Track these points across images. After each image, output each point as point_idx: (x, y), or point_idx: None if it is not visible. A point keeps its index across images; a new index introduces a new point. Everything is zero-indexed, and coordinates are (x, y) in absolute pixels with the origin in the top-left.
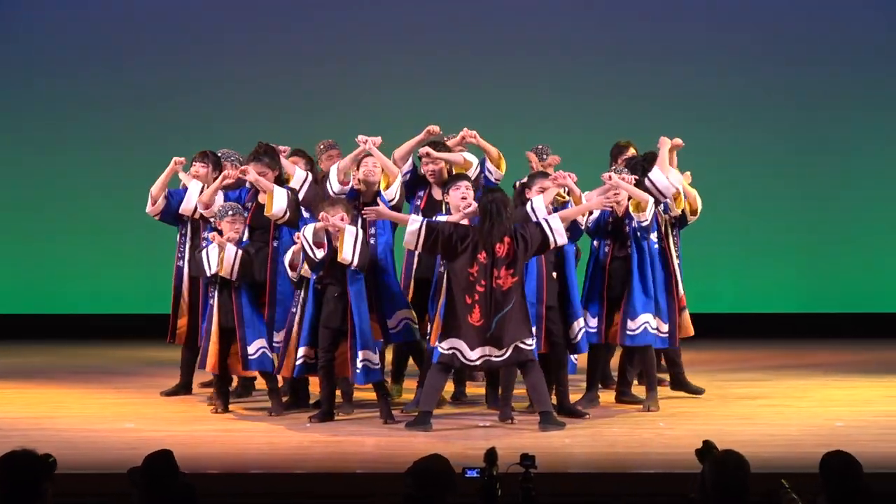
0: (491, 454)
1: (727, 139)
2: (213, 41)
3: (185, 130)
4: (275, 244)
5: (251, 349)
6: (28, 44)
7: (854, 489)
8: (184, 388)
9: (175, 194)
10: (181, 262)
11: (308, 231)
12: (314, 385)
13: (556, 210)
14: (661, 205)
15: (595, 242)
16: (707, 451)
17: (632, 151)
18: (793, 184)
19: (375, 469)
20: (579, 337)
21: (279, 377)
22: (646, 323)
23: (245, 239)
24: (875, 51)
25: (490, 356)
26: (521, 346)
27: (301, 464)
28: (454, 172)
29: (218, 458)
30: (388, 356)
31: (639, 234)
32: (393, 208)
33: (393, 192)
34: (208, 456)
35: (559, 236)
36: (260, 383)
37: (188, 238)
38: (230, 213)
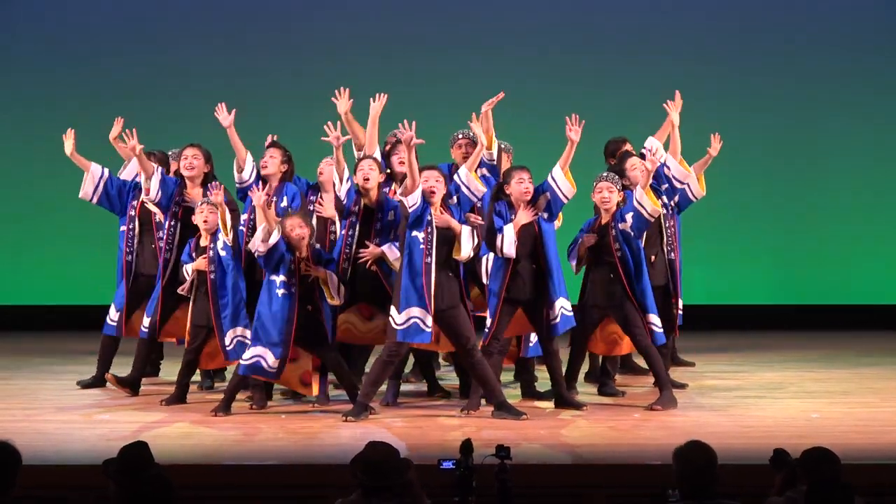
0: (466, 445)
1: (702, 135)
2: (187, 32)
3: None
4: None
5: (227, 340)
6: None
7: (832, 480)
8: (99, 382)
9: (123, 184)
10: (130, 256)
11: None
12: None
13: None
14: (678, 193)
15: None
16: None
17: (627, 147)
18: (767, 175)
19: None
20: (558, 318)
21: None
22: (653, 322)
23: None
24: (845, 61)
25: None
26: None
27: (277, 455)
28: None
29: (194, 449)
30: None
31: (625, 236)
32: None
33: (343, 192)
34: (184, 447)
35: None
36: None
37: (136, 233)
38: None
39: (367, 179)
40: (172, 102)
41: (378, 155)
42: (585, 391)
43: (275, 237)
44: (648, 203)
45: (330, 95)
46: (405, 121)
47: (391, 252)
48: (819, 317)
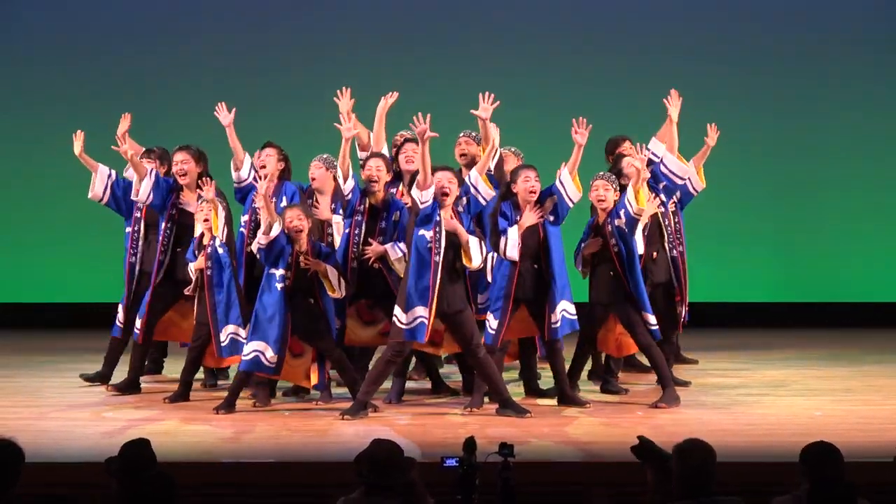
0: (470, 443)
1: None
2: (188, 31)
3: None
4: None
5: (221, 336)
6: None
7: (834, 478)
8: (104, 378)
9: (129, 186)
10: (134, 258)
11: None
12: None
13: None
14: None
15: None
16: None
17: (627, 145)
18: (771, 173)
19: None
20: (559, 322)
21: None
22: (648, 321)
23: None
24: (846, 59)
25: None
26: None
27: (280, 453)
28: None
29: (196, 447)
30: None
31: (620, 233)
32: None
33: (348, 188)
34: (186, 445)
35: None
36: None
37: (140, 236)
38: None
39: (375, 181)
40: (176, 98)
41: (385, 151)
42: (588, 389)
43: (276, 230)
44: (633, 202)
45: (331, 94)
46: (419, 114)
47: (393, 251)
48: (822, 314)
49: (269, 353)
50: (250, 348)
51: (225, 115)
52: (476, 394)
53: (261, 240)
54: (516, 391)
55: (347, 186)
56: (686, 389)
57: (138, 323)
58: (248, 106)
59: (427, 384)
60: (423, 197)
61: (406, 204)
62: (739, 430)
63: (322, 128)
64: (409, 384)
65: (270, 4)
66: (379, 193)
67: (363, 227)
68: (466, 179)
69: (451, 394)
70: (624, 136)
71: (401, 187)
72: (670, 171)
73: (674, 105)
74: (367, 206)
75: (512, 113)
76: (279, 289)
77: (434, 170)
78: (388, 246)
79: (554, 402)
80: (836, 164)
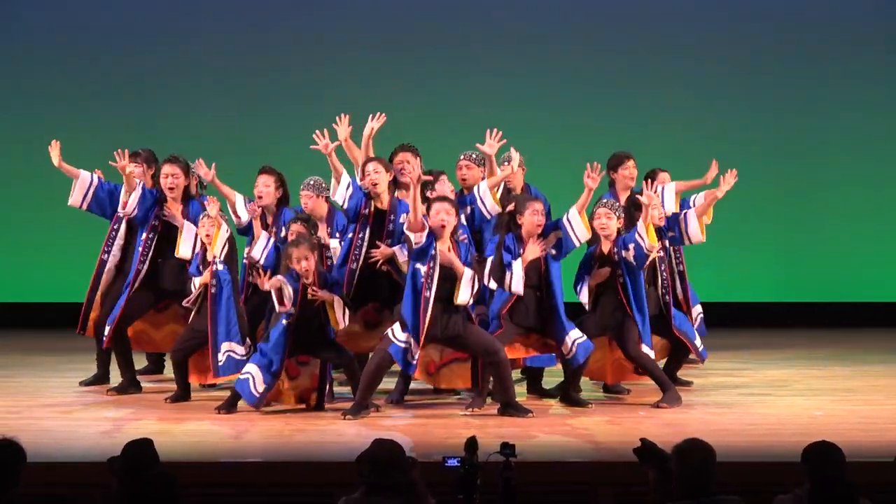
0: (472, 443)
1: (709, 138)
2: (180, 33)
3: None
4: None
5: (219, 356)
6: None
7: (836, 478)
8: (101, 380)
9: (115, 188)
10: (106, 255)
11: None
12: None
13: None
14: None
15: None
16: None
17: (631, 164)
18: (773, 172)
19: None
20: (574, 350)
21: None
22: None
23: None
24: (848, 59)
25: None
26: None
27: (281, 453)
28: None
29: (197, 446)
30: None
31: (627, 265)
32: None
33: (340, 195)
34: (187, 445)
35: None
36: None
37: (119, 236)
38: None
39: (376, 184)
40: (176, 98)
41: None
42: (590, 389)
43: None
44: (646, 238)
45: (332, 94)
46: (408, 161)
47: (402, 253)
48: (823, 314)
49: (259, 384)
50: (247, 369)
51: (206, 172)
52: (478, 394)
53: (254, 253)
54: (518, 390)
55: (341, 191)
56: (688, 389)
57: (107, 329)
58: (248, 106)
59: (429, 384)
60: (415, 239)
61: None
62: (741, 429)
63: (322, 128)
64: (412, 384)
65: (270, 4)
66: (384, 195)
67: (367, 231)
68: (475, 191)
69: (453, 394)
70: (628, 154)
71: (396, 194)
72: (687, 229)
73: (725, 183)
74: (372, 210)
75: (512, 113)
76: (284, 324)
77: (432, 200)
78: (396, 248)
79: (556, 402)
80: (836, 164)
